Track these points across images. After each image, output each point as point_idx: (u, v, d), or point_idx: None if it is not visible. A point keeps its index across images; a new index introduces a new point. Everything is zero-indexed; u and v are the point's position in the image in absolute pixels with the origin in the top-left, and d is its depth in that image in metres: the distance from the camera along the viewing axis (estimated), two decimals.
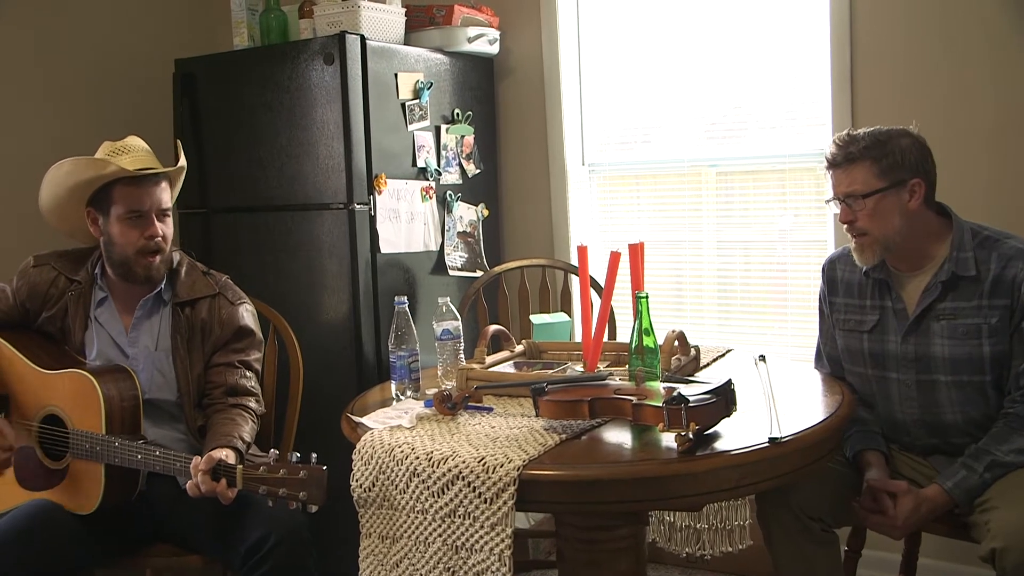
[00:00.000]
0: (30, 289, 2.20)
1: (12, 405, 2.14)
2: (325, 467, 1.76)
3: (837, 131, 2.78)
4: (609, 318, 2.94)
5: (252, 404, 2.18)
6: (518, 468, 1.61)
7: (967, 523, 1.99)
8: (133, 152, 2.15)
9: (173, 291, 2.22)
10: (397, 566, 1.76)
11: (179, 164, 2.22)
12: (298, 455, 1.80)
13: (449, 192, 3.10)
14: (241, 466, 1.84)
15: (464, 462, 1.66)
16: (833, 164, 2.08)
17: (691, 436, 1.62)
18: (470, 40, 3.11)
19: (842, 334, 2.22)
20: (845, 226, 2.09)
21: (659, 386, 1.82)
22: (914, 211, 2.03)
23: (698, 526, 2.44)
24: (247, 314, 2.27)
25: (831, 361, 2.29)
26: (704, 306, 3.20)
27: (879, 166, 2.01)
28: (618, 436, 1.78)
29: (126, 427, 2.03)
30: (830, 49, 2.79)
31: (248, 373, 2.22)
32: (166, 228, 2.17)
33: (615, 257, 2.11)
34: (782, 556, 2.07)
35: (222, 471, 1.86)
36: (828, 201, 2.13)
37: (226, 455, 1.92)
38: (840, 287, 2.23)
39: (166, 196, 2.17)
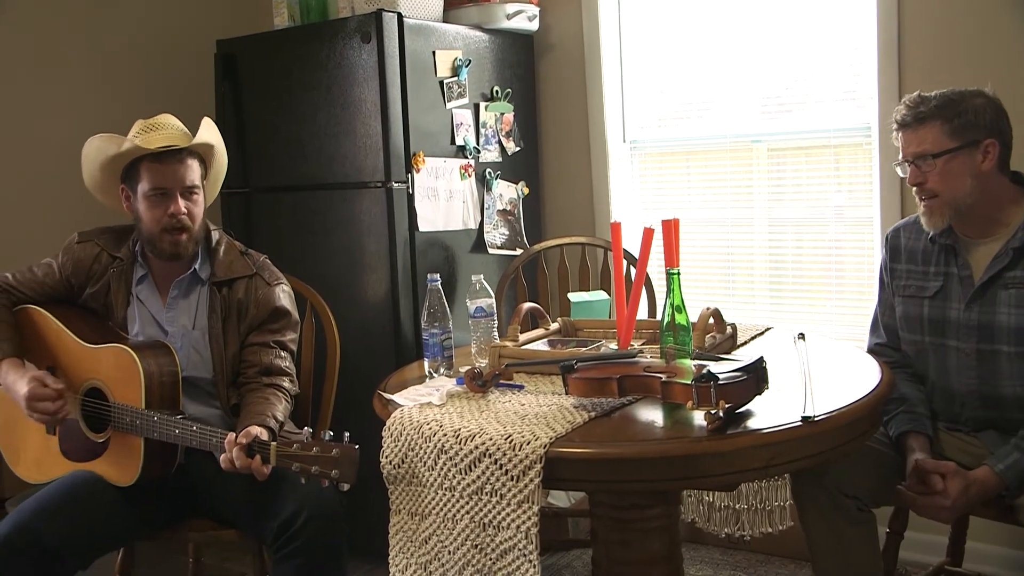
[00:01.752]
0: (74, 265, 2.24)
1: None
2: (357, 446, 1.76)
3: (883, 106, 2.71)
4: (650, 296, 2.91)
5: (286, 384, 2.19)
6: (544, 445, 1.60)
7: (1013, 506, 1.94)
8: (164, 129, 2.16)
9: (211, 270, 2.24)
10: (426, 542, 1.77)
11: (196, 139, 2.18)
12: (331, 433, 1.81)
13: (488, 170, 3.08)
14: (275, 443, 1.86)
15: (491, 439, 1.65)
16: (903, 125, 2.02)
17: (721, 414, 1.59)
18: (509, 17, 3.08)
19: (902, 300, 2.16)
20: (914, 189, 2.03)
21: (690, 364, 1.79)
22: (987, 173, 1.97)
23: (737, 506, 2.40)
24: (283, 295, 2.28)
25: (887, 331, 2.23)
26: (755, 285, 3.14)
27: (951, 125, 1.95)
28: (649, 414, 1.76)
29: (165, 402, 2.06)
30: (876, 20, 2.71)
31: (283, 353, 2.23)
32: (192, 206, 2.15)
33: (648, 233, 2.08)
34: (816, 534, 2.03)
35: (256, 448, 1.88)
36: (896, 164, 2.07)
37: (260, 432, 1.93)
38: (903, 254, 2.17)
39: (192, 174, 2.16)
